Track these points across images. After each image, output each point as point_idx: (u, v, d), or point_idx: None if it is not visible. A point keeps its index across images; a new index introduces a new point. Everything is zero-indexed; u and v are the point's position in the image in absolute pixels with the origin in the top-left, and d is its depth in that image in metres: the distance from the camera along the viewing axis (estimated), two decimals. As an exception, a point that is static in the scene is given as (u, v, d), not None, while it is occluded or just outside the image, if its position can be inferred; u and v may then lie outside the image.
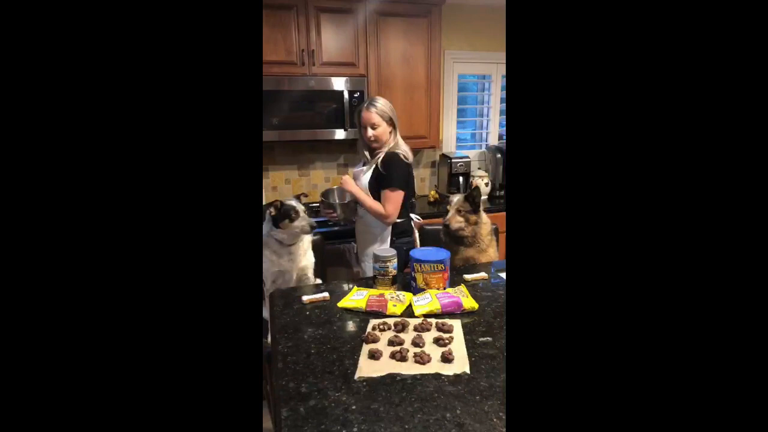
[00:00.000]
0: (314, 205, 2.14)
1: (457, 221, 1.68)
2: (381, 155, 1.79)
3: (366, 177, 1.82)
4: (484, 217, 1.75)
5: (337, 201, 1.88)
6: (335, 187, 1.95)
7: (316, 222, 1.74)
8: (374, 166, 1.80)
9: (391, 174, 1.76)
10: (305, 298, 1.37)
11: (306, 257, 1.81)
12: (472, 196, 1.69)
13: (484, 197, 3.06)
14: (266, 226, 1.72)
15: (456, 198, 1.73)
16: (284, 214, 1.67)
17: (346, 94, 2.54)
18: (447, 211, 1.72)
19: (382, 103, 1.78)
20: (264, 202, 2.79)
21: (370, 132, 1.76)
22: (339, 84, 2.53)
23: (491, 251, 1.76)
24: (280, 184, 2.92)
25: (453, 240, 1.74)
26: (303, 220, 1.69)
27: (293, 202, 1.72)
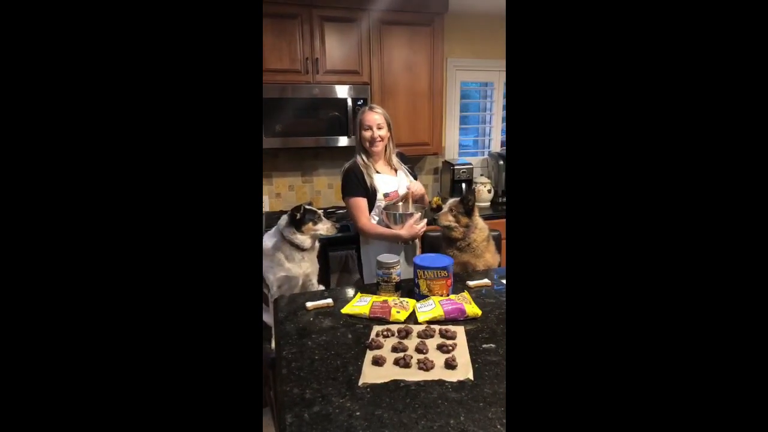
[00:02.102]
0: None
1: (446, 219, 1.73)
2: (394, 159, 1.90)
3: (413, 180, 1.91)
4: (480, 223, 1.77)
5: (400, 212, 1.79)
6: (390, 203, 1.82)
7: (339, 225, 1.85)
8: (406, 170, 1.93)
9: (413, 167, 1.98)
10: (309, 304, 1.38)
11: (312, 263, 1.83)
12: (466, 199, 1.73)
13: (485, 203, 3.07)
14: (284, 231, 1.75)
15: (452, 200, 1.79)
16: (308, 218, 1.74)
17: (349, 102, 2.56)
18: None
19: (381, 109, 1.85)
20: (267, 209, 2.84)
21: (377, 132, 1.79)
22: (342, 92, 2.55)
23: (488, 256, 1.77)
24: (283, 191, 2.93)
25: (446, 241, 1.77)
26: (326, 223, 1.79)
27: (313, 207, 1.80)
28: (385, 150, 1.87)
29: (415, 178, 1.95)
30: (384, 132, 1.81)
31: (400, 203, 1.82)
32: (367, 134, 1.79)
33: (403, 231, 1.73)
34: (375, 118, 1.79)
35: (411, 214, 1.74)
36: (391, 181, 1.86)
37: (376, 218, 1.83)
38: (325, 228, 1.77)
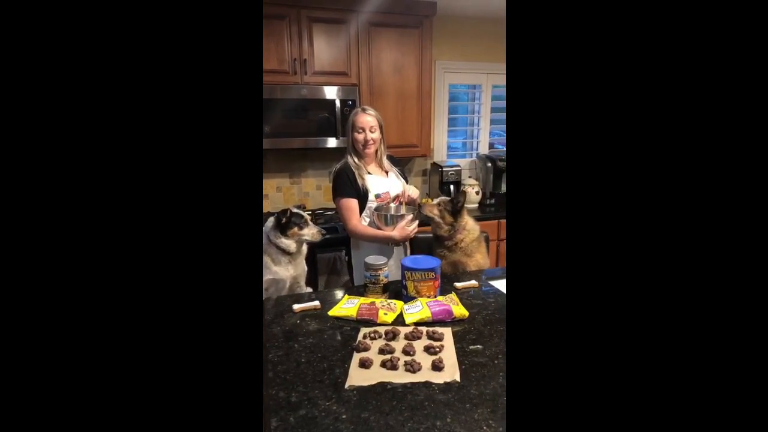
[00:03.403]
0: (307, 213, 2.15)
1: (431, 211, 1.76)
2: (385, 162, 1.90)
3: (405, 183, 1.92)
4: (470, 224, 1.79)
5: (392, 213, 1.79)
6: (381, 204, 1.81)
7: (324, 230, 1.83)
8: (397, 172, 1.93)
9: (403, 169, 1.99)
10: (296, 306, 1.37)
11: (298, 267, 1.82)
12: (456, 200, 1.75)
13: (473, 205, 3.08)
14: (270, 234, 1.74)
15: (444, 197, 1.83)
16: (293, 222, 1.72)
17: (338, 103, 2.55)
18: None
19: (374, 111, 1.83)
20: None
21: (369, 135, 1.77)
22: (331, 93, 2.54)
23: (479, 257, 1.79)
24: (271, 192, 2.91)
25: (435, 240, 1.79)
26: (312, 228, 1.78)
27: (301, 211, 1.78)
28: (377, 152, 1.86)
29: (406, 181, 1.95)
30: (376, 135, 1.79)
31: (392, 204, 1.82)
32: (360, 137, 1.77)
33: (395, 232, 1.71)
34: (368, 120, 1.77)
35: (402, 216, 1.73)
36: (382, 182, 1.86)
37: (367, 220, 1.82)
38: (310, 233, 1.75)
